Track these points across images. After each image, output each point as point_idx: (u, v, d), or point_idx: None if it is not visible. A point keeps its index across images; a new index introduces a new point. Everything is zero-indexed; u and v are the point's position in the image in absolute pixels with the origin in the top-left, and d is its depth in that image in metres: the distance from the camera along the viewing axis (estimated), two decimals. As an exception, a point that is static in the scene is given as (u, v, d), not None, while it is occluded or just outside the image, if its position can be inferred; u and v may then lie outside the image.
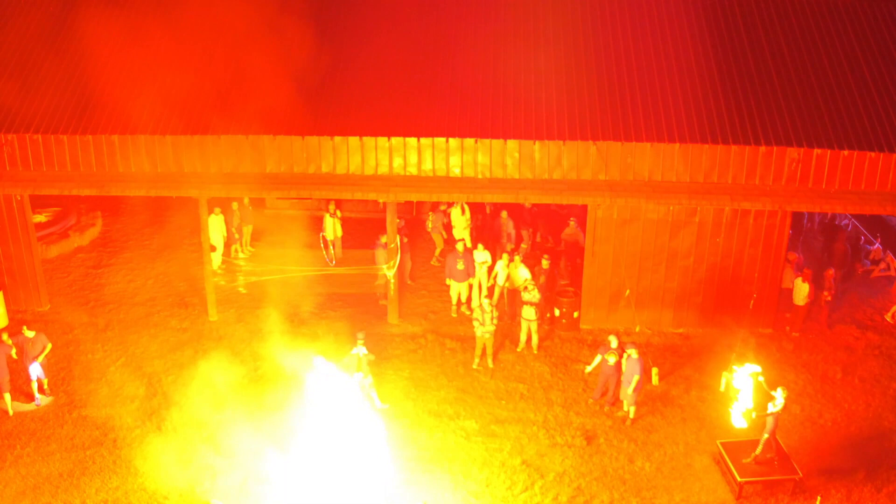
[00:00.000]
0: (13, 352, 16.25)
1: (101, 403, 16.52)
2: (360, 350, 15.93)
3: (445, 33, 19.11)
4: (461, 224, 20.63)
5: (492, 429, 16.02)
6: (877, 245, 21.24)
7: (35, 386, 16.49)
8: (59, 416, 16.30)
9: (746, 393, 14.44)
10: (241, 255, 21.24)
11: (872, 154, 17.03)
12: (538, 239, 21.73)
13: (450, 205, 20.84)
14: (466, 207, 20.64)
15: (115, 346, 18.22)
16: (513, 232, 20.66)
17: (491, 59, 18.41)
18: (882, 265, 20.76)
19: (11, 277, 19.04)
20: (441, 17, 19.43)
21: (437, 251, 21.26)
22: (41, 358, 16.43)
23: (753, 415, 14.43)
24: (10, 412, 16.21)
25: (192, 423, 16.00)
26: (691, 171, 17.36)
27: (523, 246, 20.82)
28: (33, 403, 16.52)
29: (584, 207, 18.31)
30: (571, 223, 20.56)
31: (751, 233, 17.73)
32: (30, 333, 16.43)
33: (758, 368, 14.48)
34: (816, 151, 17.02)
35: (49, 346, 16.64)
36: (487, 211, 21.65)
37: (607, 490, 14.74)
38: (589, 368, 16.74)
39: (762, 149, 17.09)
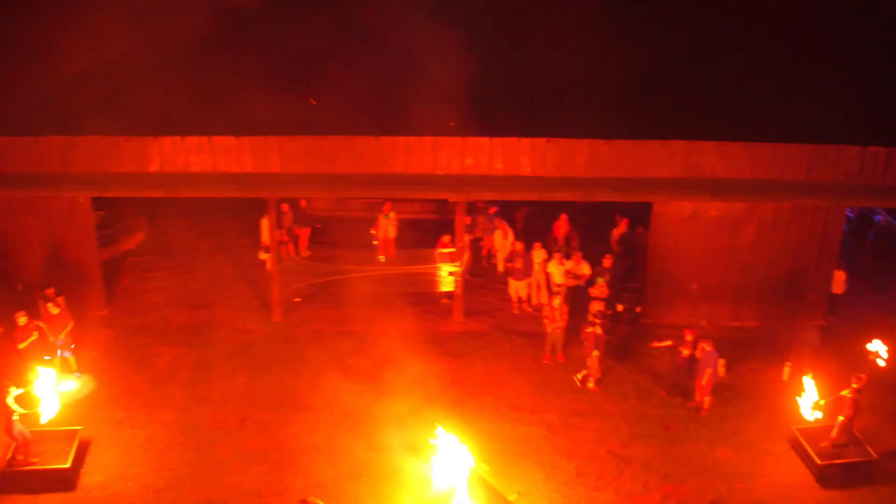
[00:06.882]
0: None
1: (177, 406, 16.47)
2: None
3: (515, 33, 19.49)
4: (504, 247, 20.56)
5: (573, 421, 16.32)
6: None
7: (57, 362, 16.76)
8: (136, 419, 16.18)
9: (811, 386, 15.11)
10: (295, 256, 21.20)
11: (926, 151, 17.78)
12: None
13: (496, 210, 21.02)
14: (510, 233, 20.49)
15: (180, 349, 18.14)
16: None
17: (563, 59, 18.79)
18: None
19: (71, 281, 18.80)
20: (510, 17, 19.81)
21: (489, 251, 21.51)
22: (62, 335, 16.70)
23: (822, 403, 15.01)
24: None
25: (274, 422, 16.08)
26: (753, 168, 17.93)
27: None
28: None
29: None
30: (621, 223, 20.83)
31: (808, 228, 18.35)
32: (55, 311, 16.80)
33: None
34: (873, 149, 17.72)
35: (71, 323, 16.90)
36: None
37: (693, 476, 15.12)
38: (657, 344, 17.10)
39: (821, 147, 17.74)
